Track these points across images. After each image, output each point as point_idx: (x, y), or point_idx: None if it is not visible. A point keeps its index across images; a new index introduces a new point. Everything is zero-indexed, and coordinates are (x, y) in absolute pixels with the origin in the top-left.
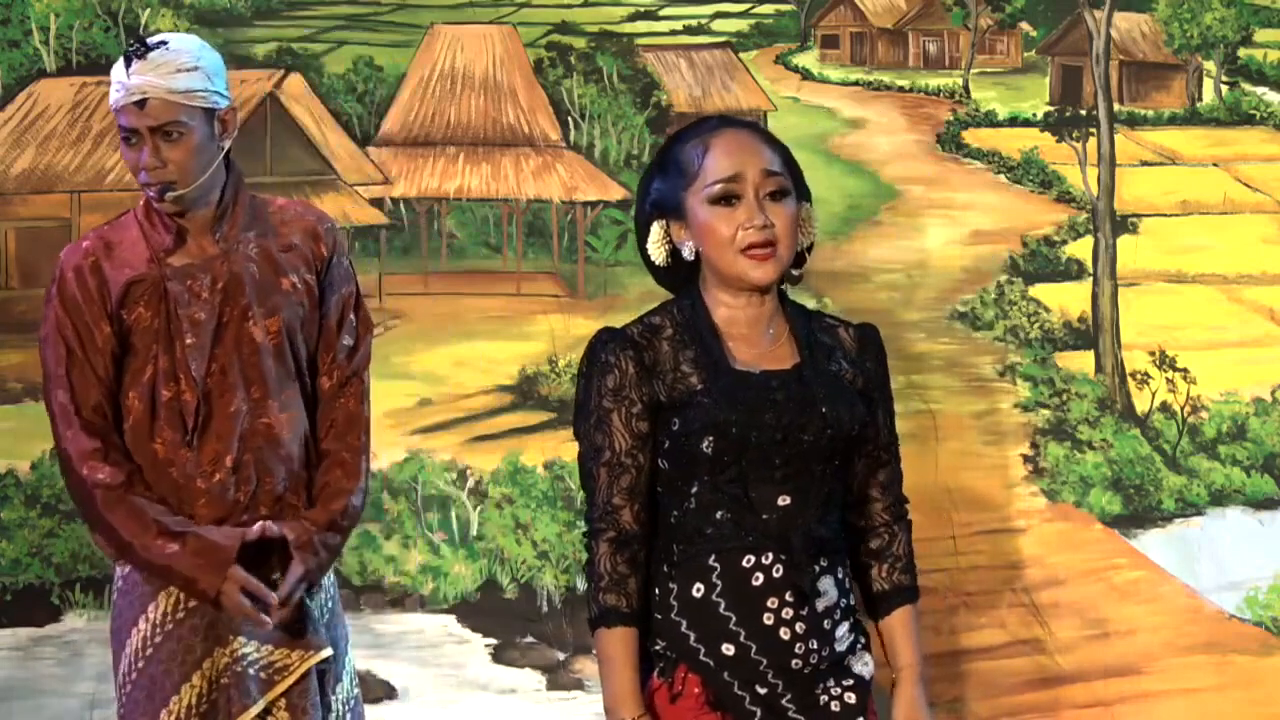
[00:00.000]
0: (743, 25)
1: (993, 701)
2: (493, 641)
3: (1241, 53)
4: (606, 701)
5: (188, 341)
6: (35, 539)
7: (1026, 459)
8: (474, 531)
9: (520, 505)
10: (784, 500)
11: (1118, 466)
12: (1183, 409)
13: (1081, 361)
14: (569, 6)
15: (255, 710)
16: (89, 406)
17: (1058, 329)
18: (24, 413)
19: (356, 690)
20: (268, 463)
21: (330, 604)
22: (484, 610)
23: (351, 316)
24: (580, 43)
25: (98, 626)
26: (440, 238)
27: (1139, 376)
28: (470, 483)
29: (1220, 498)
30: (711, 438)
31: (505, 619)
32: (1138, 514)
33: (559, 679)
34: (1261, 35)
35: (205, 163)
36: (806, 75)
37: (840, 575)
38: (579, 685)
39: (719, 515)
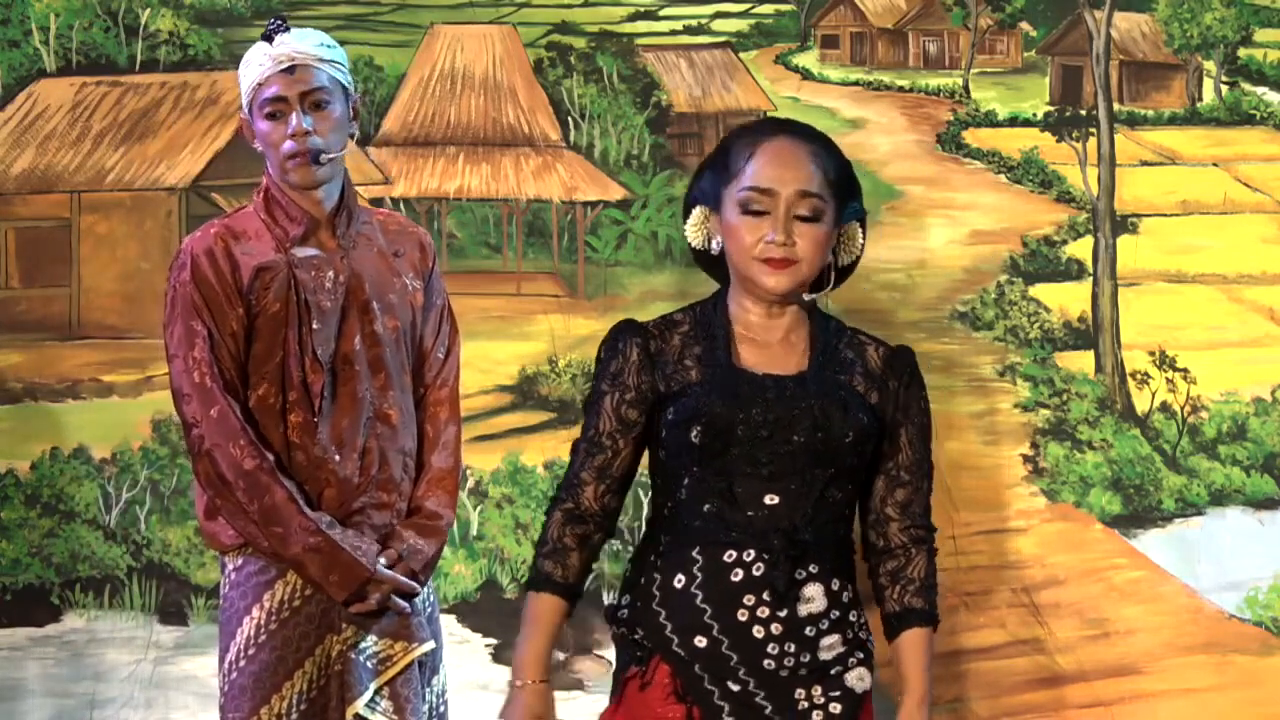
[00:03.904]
0: (743, 25)
1: (993, 701)
2: (493, 641)
3: (1241, 53)
4: (514, 663)
5: (314, 326)
6: (35, 539)
7: (1026, 459)
8: (474, 531)
9: (520, 505)
10: (771, 499)
11: (1118, 466)
12: (1183, 409)
13: (1081, 361)
14: (569, 6)
15: (366, 698)
16: (232, 387)
17: (1058, 329)
18: (24, 413)
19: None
20: (387, 450)
21: (431, 599)
22: (484, 610)
23: (446, 327)
24: (580, 43)
25: (98, 626)
26: (440, 238)
27: (1139, 376)
28: (470, 483)
29: (1220, 498)
30: (699, 427)
31: (505, 619)
32: (1138, 514)
33: (559, 679)
34: (1261, 35)
35: (343, 141)
36: (806, 75)
37: (835, 587)
38: (579, 685)
39: (706, 508)
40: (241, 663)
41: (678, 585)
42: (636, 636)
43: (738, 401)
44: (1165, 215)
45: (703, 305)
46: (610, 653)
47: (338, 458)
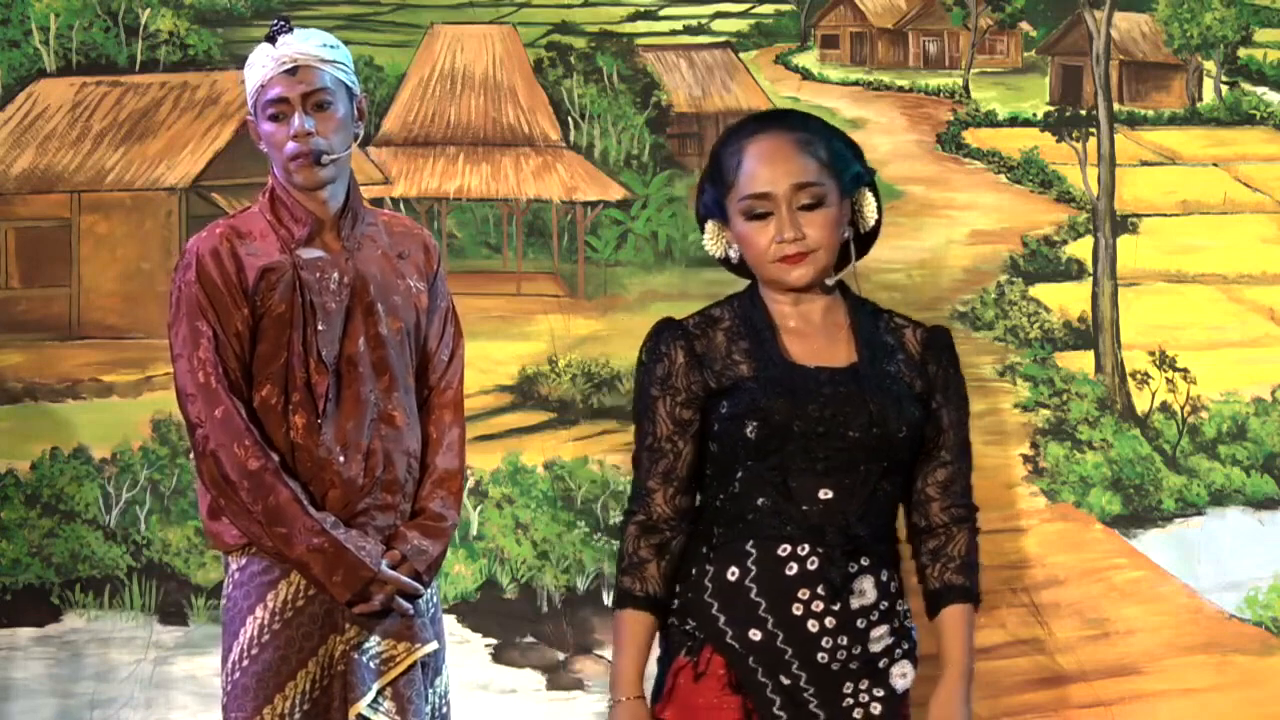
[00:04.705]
0: (743, 25)
1: (993, 701)
2: (493, 641)
3: (1241, 53)
4: (610, 681)
5: (319, 328)
6: (35, 539)
7: (1026, 459)
8: (474, 531)
9: (520, 505)
10: (825, 494)
11: (1118, 466)
12: (1183, 409)
13: (1081, 361)
14: (569, 6)
15: (369, 698)
16: (236, 388)
17: (1058, 329)
18: (24, 413)
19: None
20: (392, 451)
21: (434, 600)
22: (484, 610)
23: (450, 330)
24: (580, 43)
25: (98, 626)
26: (440, 238)
27: (1139, 376)
28: (470, 483)
29: (1220, 498)
30: (755, 423)
31: (505, 619)
32: (1138, 514)
33: (559, 679)
34: (1261, 35)
35: (347, 141)
36: (806, 75)
37: (885, 578)
38: (579, 685)
39: (760, 502)
40: (244, 662)
41: (731, 578)
42: (688, 627)
43: (794, 397)
44: (1165, 215)
45: (740, 299)
46: (610, 652)
47: (342, 459)
